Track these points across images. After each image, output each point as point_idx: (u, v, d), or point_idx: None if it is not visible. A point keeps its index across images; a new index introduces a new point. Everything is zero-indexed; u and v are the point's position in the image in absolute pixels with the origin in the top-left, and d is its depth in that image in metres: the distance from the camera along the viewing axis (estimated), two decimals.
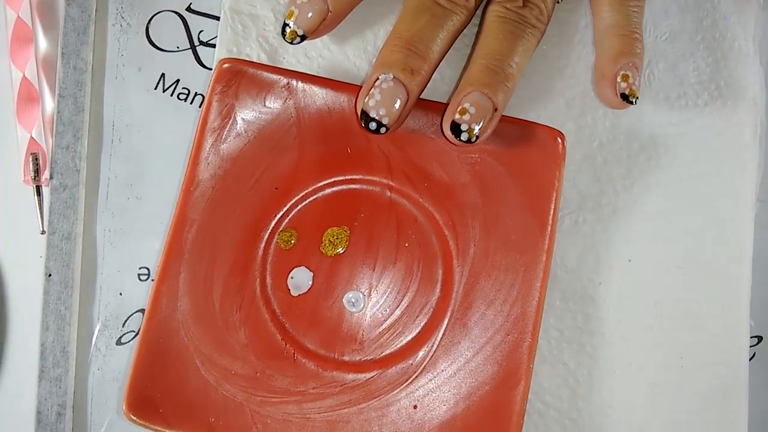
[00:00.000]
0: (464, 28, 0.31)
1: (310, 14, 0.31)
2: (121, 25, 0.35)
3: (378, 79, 0.29)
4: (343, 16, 0.32)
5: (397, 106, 0.29)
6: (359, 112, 0.30)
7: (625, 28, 0.33)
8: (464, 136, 0.29)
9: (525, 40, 0.31)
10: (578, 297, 0.33)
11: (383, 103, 0.29)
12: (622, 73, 0.32)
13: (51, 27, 0.34)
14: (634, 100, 0.32)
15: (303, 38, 0.31)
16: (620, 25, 0.33)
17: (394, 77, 0.29)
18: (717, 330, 0.33)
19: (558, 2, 0.33)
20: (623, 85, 0.32)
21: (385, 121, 0.29)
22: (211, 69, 0.34)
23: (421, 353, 0.32)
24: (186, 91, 0.34)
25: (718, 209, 0.34)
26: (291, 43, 0.31)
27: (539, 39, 0.32)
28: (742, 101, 0.34)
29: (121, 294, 0.33)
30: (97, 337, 0.33)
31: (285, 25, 0.31)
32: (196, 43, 0.35)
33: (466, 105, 0.29)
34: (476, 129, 0.29)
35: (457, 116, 0.30)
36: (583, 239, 0.33)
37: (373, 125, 0.29)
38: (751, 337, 0.35)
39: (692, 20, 0.35)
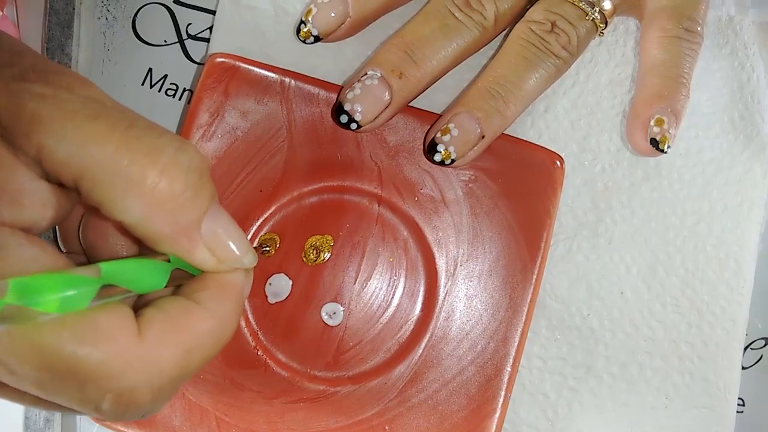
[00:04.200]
0: (479, 47, 0.31)
1: (329, 16, 0.31)
2: (106, 19, 0.34)
3: (365, 74, 0.29)
4: (363, 24, 0.32)
5: (375, 106, 0.29)
6: (336, 104, 0.30)
7: (671, 70, 0.31)
8: (437, 157, 0.30)
9: (542, 69, 0.30)
10: (565, 327, 0.33)
11: (361, 99, 0.29)
12: (657, 116, 0.31)
13: (34, 21, 0.34)
14: (665, 148, 0.31)
15: (317, 39, 0.31)
16: (667, 65, 0.31)
17: (380, 76, 0.29)
18: (707, 374, 0.33)
19: (600, 35, 0.32)
20: (656, 129, 0.31)
21: (357, 118, 0.29)
22: (200, 64, 0.34)
23: (395, 373, 0.32)
24: (174, 87, 0.34)
25: (720, 249, 0.33)
26: (304, 42, 0.31)
27: (562, 71, 0.31)
28: (756, 137, 0.34)
29: None
30: None
31: (301, 22, 0.31)
32: (185, 36, 0.34)
33: (450, 126, 0.29)
34: (453, 153, 0.29)
35: (438, 135, 0.30)
36: (575, 268, 0.33)
37: (344, 118, 0.29)
38: (757, 339, 0.34)
39: (711, 46, 0.35)
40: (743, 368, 0.34)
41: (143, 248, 0.23)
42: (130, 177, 0.19)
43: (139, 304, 0.22)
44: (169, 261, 0.22)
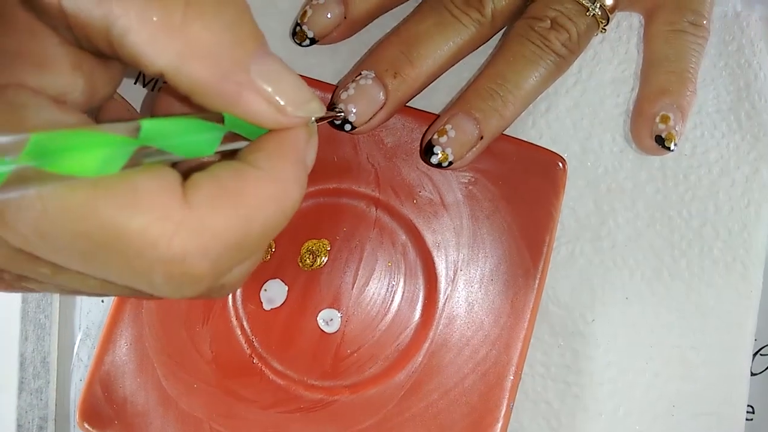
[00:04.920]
0: (477, 45, 0.30)
1: (324, 18, 0.30)
2: None
3: (360, 74, 0.29)
4: (360, 25, 0.31)
5: (370, 106, 0.29)
6: (329, 105, 0.29)
7: (676, 65, 0.31)
8: (434, 159, 0.29)
9: (541, 67, 0.29)
10: (568, 333, 0.32)
11: (355, 99, 0.29)
12: (662, 113, 0.30)
13: None
14: (671, 146, 0.30)
15: (313, 41, 0.31)
16: (672, 60, 0.31)
17: (375, 76, 0.29)
18: (713, 380, 0.32)
19: (603, 31, 0.31)
20: (661, 126, 0.30)
21: (351, 119, 0.29)
22: None
23: (395, 382, 0.31)
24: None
25: (727, 252, 0.33)
26: (300, 44, 0.31)
27: (563, 69, 0.30)
28: (763, 137, 0.33)
29: (102, 301, 0.33)
30: (78, 347, 0.33)
31: (297, 24, 0.30)
32: None
33: (447, 127, 0.29)
34: (451, 155, 0.28)
35: (434, 136, 0.29)
36: (578, 272, 0.33)
37: (337, 120, 0.29)
38: (767, 345, 0.34)
39: (716, 43, 0.34)
40: (752, 374, 0.34)
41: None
42: (154, 16, 0.17)
43: (188, 171, 0.19)
44: (222, 122, 0.19)
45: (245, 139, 0.20)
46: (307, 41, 0.31)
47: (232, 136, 0.19)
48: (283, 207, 0.19)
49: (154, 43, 0.17)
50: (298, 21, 0.31)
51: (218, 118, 0.19)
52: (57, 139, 0.15)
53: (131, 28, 0.17)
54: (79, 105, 0.20)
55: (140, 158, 0.17)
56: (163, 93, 0.23)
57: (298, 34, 0.31)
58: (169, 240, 0.17)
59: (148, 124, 0.17)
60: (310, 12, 0.30)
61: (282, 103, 0.19)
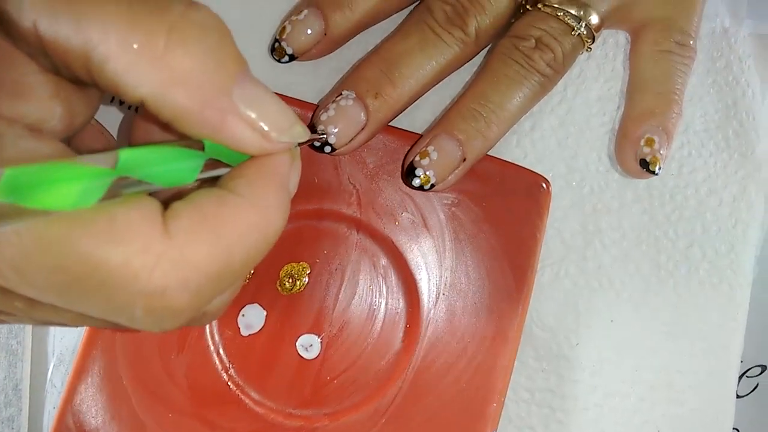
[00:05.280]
0: (460, 64, 0.30)
1: (304, 34, 0.29)
2: None
3: (340, 95, 0.28)
4: (340, 41, 0.31)
5: (350, 128, 0.28)
6: (308, 126, 0.28)
7: (663, 85, 0.30)
8: (416, 182, 0.28)
9: (526, 88, 0.28)
10: (553, 356, 0.32)
11: (335, 120, 0.28)
12: (647, 136, 0.30)
13: None
14: (656, 170, 0.30)
15: (292, 58, 0.30)
16: (658, 81, 0.30)
17: (356, 97, 0.28)
18: (699, 403, 0.32)
19: (588, 50, 0.30)
20: (646, 150, 0.30)
21: (331, 141, 0.28)
22: None
23: (374, 409, 0.30)
24: None
25: (714, 273, 0.32)
26: (278, 61, 0.30)
27: (548, 89, 0.29)
28: (751, 155, 0.33)
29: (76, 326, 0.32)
30: (52, 373, 0.32)
31: (275, 40, 0.30)
32: None
33: (429, 149, 0.28)
34: (433, 177, 0.28)
35: (416, 158, 0.28)
36: (563, 294, 0.32)
37: (316, 142, 0.28)
38: (753, 367, 0.34)
39: (704, 59, 0.33)
40: (738, 397, 0.33)
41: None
42: (135, 43, 0.17)
43: (169, 200, 0.19)
44: (203, 149, 0.18)
45: (226, 165, 0.19)
46: (286, 58, 0.30)
47: (213, 163, 0.19)
48: (265, 235, 0.19)
49: (135, 70, 0.17)
50: (277, 37, 0.30)
51: (198, 144, 0.18)
52: (31, 173, 0.14)
53: (111, 55, 0.17)
54: (56, 133, 0.19)
55: (119, 189, 0.16)
56: (141, 119, 0.22)
57: (276, 51, 0.30)
58: (150, 272, 0.17)
59: (126, 154, 0.16)
60: (289, 28, 0.30)
61: (266, 128, 0.18)
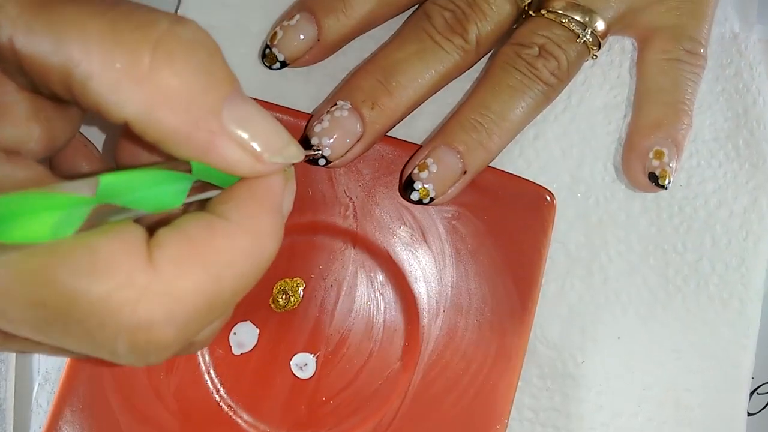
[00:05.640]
0: (460, 72, 0.29)
1: (296, 39, 0.28)
2: None
3: (335, 105, 0.27)
4: (334, 47, 0.29)
5: (346, 139, 0.27)
6: (302, 137, 0.27)
7: (671, 95, 0.29)
8: (415, 196, 0.27)
9: (528, 97, 0.27)
10: (558, 375, 0.31)
11: (330, 132, 0.27)
12: (656, 148, 0.29)
13: None
14: (666, 184, 0.28)
15: (284, 64, 0.29)
16: (667, 91, 0.29)
17: (351, 107, 0.27)
18: (709, 422, 0.31)
19: (594, 57, 0.29)
20: (655, 162, 0.28)
21: (326, 153, 0.27)
22: None
23: (371, 431, 0.29)
24: None
25: (724, 287, 0.31)
26: (270, 67, 0.29)
27: (551, 98, 0.28)
28: (762, 165, 0.32)
29: None
30: (37, 392, 0.31)
31: (266, 46, 0.28)
32: None
33: (428, 161, 0.27)
34: (432, 191, 0.27)
35: (414, 171, 0.27)
36: (568, 310, 0.31)
37: (315, 156, 0.27)
38: (764, 384, 0.33)
39: (713, 66, 0.32)
40: (749, 414, 0.32)
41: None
42: (119, 60, 0.16)
43: (155, 225, 0.18)
44: (190, 171, 0.17)
45: (216, 187, 0.19)
46: (278, 64, 0.29)
47: (201, 185, 0.18)
48: (257, 262, 0.18)
49: (118, 90, 0.16)
50: (268, 43, 0.29)
51: (186, 166, 0.17)
52: (2, 205, 0.14)
53: (93, 74, 0.16)
54: (35, 154, 0.18)
55: (101, 217, 0.15)
56: (125, 139, 0.21)
57: (267, 57, 0.29)
58: (134, 307, 0.16)
59: (107, 180, 0.15)
60: (280, 33, 0.29)
61: (258, 149, 0.17)
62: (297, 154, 0.19)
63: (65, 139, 0.19)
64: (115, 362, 0.17)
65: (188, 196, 0.18)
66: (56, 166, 0.22)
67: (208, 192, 0.19)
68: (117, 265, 0.16)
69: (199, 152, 0.17)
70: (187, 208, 0.20)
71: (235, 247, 0.17)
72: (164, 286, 0.16)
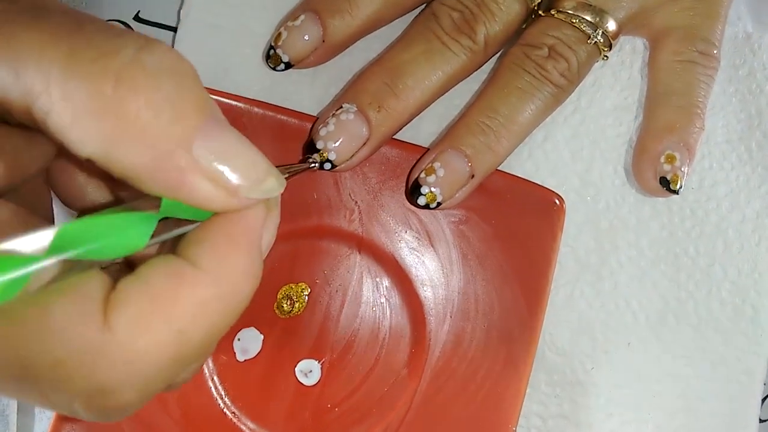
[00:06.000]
0: (468, 73, 0.28)
1: (300, 40, 0.28)
2: None
3: (340, 108, 0.26)
4: (339, 48, 0.29)
5: (352, 143, 0.26)
6: (307, 141, 0.27)
7: (684, 99, 0.28)
8: (422, 201, 0.27)
9: (538, 99, 0.27)
10: (566, 382, 0.30)
11: (336, 135, 0.26)
12: (668, 152, 0.28)
13: None
14: (677, 188, 0.28)
15: (288, 66, 0.28)
16: (679, 93, 0.28)
17: (357, 110, 0.26)
18: (720, 430, 0.30)
19: (604, 58, 0.29)
20: (666, 167, 0.28)
21: (331, 157, 0.26)
22: None
23: None
24: None
25: (736, 293, 0.31)
26: (274, 69, 0.28)
27: (561, 100, 0.28)
28: None
29: None
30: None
31: (270, 47, 0.28)
32: None
33: (436, 165, 0.27)
34: (439, 195, 0.26)
35: (421, 175, 0.27)
36: (577, 316, 0.31)
37: (316, 158, 0.26)
38: None
39: (726, 67, 0.32)
40: (761, 421, 0.32)
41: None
42: (79, 94, 0.14)
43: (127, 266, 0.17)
44: (158, 207, 0.16)
45: (189, 221, 0.17)
46: (282, 66, 0.29)
47: (173, 222, 0.17)
48: (228, 310, 0.17)
49: (79, 126, 0.15)
50: (272, 44, 0.28)
51: (156, 201, 0.16)
52: None
53: (53, 108, 0.15)
54: (1, 187, 0.17)
55: (63, 269, 0.15)
56: (93, 176, 0.20)
57: (272, 58, 0.28)
58: (89, 373, 0.15)
59: (62, 232, 0.14)
60: (285, 34, 0.28)
61: (234, 183, 0.16)
62: (277, 187, 0.17)
63: (36, 168, 0.18)
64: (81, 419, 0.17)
65: (155, 236, 0.16)
66: (50, 175, 0.22)
67: (182, 228, 0.17)
68: (69, 330, 0.15)
69: (167, 189, 0.16)
70: (162, 246, 0.19)
71: (204, 296, 0.16)
72: (121, 350, 0.15)
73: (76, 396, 0.15)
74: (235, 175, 0.16)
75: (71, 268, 0.15)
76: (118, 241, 0.15)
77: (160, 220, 0.16)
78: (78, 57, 0.15)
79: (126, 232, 0.15)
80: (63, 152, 0.21)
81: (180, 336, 0.16)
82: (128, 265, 0.17)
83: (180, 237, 0.17)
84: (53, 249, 0.14)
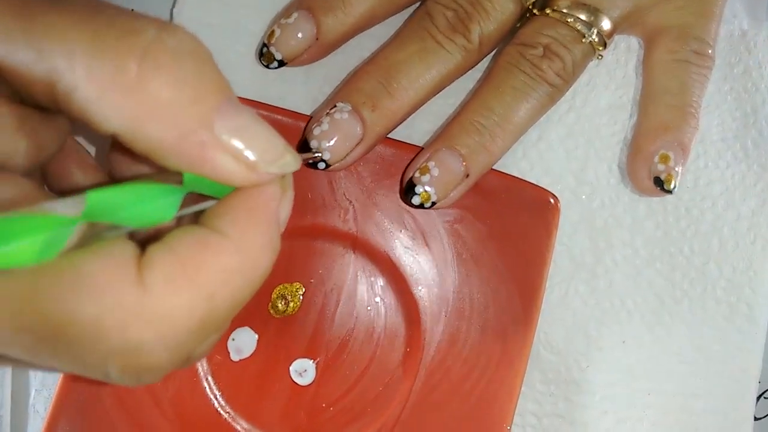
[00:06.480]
0: (462, 72, 0.28)
1: (294, 38, 0.28)
2: None
3: (334, 107, 0.26)
4: (333, 46, 0.29)
5: (346, 142, 0.26)
6: (301, 140, 0.27)
7: (678, 97, 0.28)
8: (416, 200, 0.27)
9: (533, 99, 0.27)
10: (561, 380, 0.30)
11: (330, 135, 0.27)
12: (662, 152, 0.28)
13: None
14: (671, 188, 0.28)
15: (281, 64, 0.28)
16: (673, 92, 0.29)
17: (351, 109, 0.26)
18: (715, 428, 0.31)
19: (599, 57, 0.29)
20: (660, 167, 0.28)
21: (325, 157, 0.26)
22: None
23: None
24: None
25: (731, 292, 0.31)
26: (267, 67, 0.28)
27: (556, 99, 0.28)
28: None
29: None
30: (34, 398, 0.31)
31: (264, 45, 0.28)
32: None
33: (430, 164, 0.27)
34: (434, 195, 0.26)
35: (415, 174, 0.27)
36: (572, 315, 0.31)
37: (314, 160, 0.26)
38: None
39: (721, 65, 0.32)
40: (756, 419, 0.32)
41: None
42: (104, 71, 0.15)
43: (148, 239, 0.18)
44: (181, 183, 0.17)
45: (210, 197, 0.18)
46: (275, 63, 0.29)
47: (195, 197, 0.18)
48: (251, 278, 0.18)
49: (104, 102, 0.15)
50: (265, 41, 0.28)
51: (177, 177, 0.17)
52: None
53: (78, 85, 0.15)
54: (22, 167, 0.18)
55: (91, 234, 0.15)
56: (115, 150, 0.21)
57: (265, 56, 0.28)
58: (124, 330, 0.15)
59: (93, 197, 0.15)
60: (278, 32, 0.28)
61: (252, 159, 0.17)
62: (293, 163, 0.18)
63: (54, 149, 0.19)
64: (108, 382, 0.17)
65: (181, 209, 0.17)
66: (48, 173, 0.22)
67: (202, 204, 0.18)
68: (105, 288, 0.15)
69: (190, 164, 0.17)
70: (180, 221, 0.20)
71: (229, 264, 0.17)
72: (155, 309, 0.16)
73: (111, 355, 0.16)
74: (254, 151, 0.17)
75: (100, 234, 0.15)
76: (148, 210, 0.16)
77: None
78: (102, 36, 0.15)
79: (156, 202, 0.16)
80: (66, 148, 0.22)
81: (208, 300, 0.16)
82: (149, 239, 0.17)
83: (201, 212, 0.18)
84: (88, 213, 0.15)
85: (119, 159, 0.20)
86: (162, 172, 0.17)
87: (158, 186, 0.17)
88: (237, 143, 0.17)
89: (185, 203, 0.18)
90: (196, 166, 0.17)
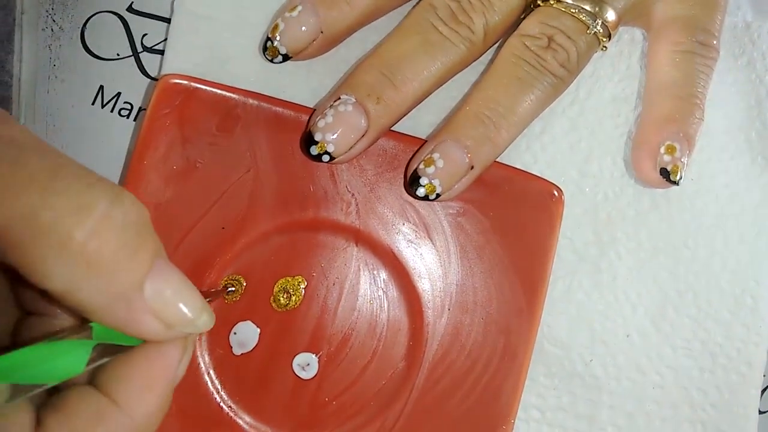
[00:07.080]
0: (467, 64, 0.28)
1: (298, 31, 0.28)
2: (52, 30, 0.31)
3: (338, 99, 0.26)
4: (337, 39, 0.29)
5: (350, 135, 0.26)
6: (305, 133, 0.26)
7: (683, 89, 0.28)
8: (421, 192, 0.27)
9: (537, 90, 0.27)
10: (565, 374, 0.30)
11: (334, 127, 0.27)
12: (668, 143, 0.28)
13: None
14: (677, 179, 0.28)
15: (286, 58, 0.28)
16: (679, 84, 0.28)
17: (355, 101, 0.26)
18: (721, 423, 0.31)
19: (603, 49, 0.29)
20: (666, 158, 0.28)
21: (330, 149, 0.27)
22: (157, 79, 0.31)
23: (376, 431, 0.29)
24: (129, 106, 0.31)
25: (736, 284, 0.31)
26: (271, 61, 0.28)
27: (560, 91, 0.28)
28: None
29: None
30: None
31: (267, 39, 0.28)
32: (140, 49, 0.31)
33: (435, 156, 0.26)
34: (438, 187, 0.26)
35: (420, 166, 0.27)
36: (576, 308, 0.31)
37: (314, 150, 0.26)
38: None
39: (725, 57, 0.32)
40: (761, 413, 0.32)
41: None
42: (53, 238, 0.16)
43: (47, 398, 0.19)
44: (90, 336, 0.18)
45: (118, 347, 0.19)
46: (280, 57, 0.28)
47: (104, 347, 0.19)
48: None
49: (47, 264, 0.17)
50: (269, 35, 0.28)
51: (86, 330, 0.18)
52: None
53: (22, 243, 0.16)
54: None
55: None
56: (24, 287, 0.21)
57: (269, 50, 0.28)
58: None
59: (5, 361, 0.16)
60: (281, 25, 0.28)
61: (172, 321, 0.19)
62: (209, 322, 0.20)
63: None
64: None
65: (90, 362, 0.18)
66: None
67: (111, 355, 0.19)
68: None
69: (115, 321, 0.18)
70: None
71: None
72: None
73: None
74: (176, 313, 0.19)
75: (8, 391, 0.16)
76: (60, 366, 0.17)
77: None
78: (56, 205, 0.16)
79: (66, 357, 0.17)
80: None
81: None
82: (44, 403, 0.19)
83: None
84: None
85: (29, 295, 0.21)
86: (69, 328, 0.19)
87: (68, 342, 0.17)
88: (162, 306, 0.18)
89: (95, 356, 0.18)
90: (120, 323, 0.18)
